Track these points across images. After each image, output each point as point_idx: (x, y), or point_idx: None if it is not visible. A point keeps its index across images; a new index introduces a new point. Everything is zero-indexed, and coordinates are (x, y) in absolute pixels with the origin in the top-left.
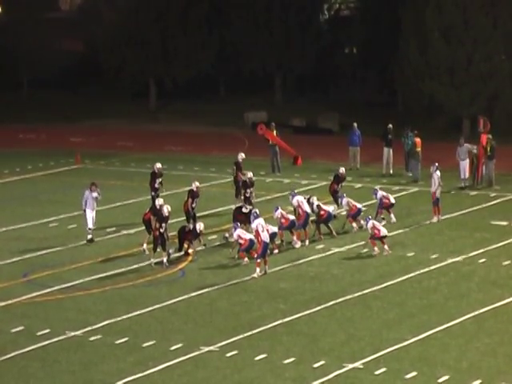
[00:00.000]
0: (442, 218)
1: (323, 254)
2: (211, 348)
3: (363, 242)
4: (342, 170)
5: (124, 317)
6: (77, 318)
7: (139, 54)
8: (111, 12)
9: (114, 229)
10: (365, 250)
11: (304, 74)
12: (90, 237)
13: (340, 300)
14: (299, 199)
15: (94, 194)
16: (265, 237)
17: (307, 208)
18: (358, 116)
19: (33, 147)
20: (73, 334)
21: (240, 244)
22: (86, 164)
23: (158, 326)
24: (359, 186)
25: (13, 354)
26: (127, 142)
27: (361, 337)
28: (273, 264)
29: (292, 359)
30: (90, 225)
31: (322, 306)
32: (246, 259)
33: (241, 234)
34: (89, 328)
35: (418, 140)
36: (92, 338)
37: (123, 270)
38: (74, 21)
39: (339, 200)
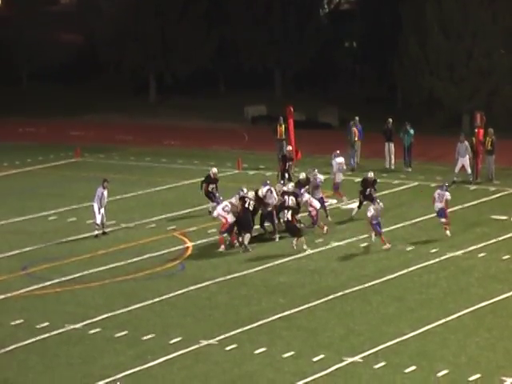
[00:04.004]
0: None
1: (322, 248)
2: (210, 342)
3: (363, 237)
4: (371, 174)
5: (123, 310)
6: (76, 311)
7: (139, 48)
8: (111, 6)
9: (113, 222)
10: (364, 245)
11: (304, 69)
12: (96, 233)
13: (339, 294)
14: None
15: (106, 191)
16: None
17: (316, 204)
18: (357, 111)
19: (32, 141)
20: (72, 327)
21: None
22: (85, 157)
23: (157, 319)
24: (359, 180)
25: (12, 347)
26: (126, 136)
27: (360, 331)
28: (272, 258)
29: (291, 353)
30: (98, 220)
31: (322, 300)
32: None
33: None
34: (88, 321)
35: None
36: (91, 332)
37: (122, 263)
38: (73, 14)
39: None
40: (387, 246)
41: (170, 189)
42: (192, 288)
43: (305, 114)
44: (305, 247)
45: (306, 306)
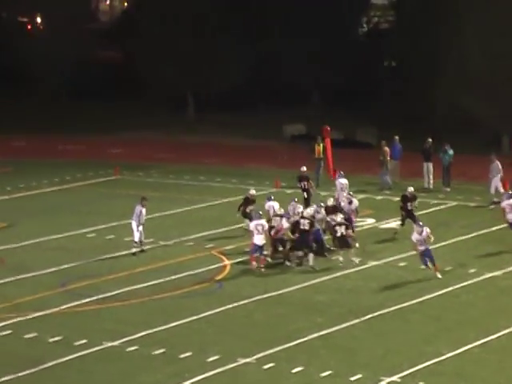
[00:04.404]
0: (481, 232)
1: (361, 268)
2: (248, 360)
3: (401, 256)
4: (410, 189)
5: (161, 328)
6: (114, 328)
7: (177, 65)
8: (149, 24)
9: (151, 240)
10: (402, 264)
11: (343, 88)
12: (134, 250)
13: (377, 313)
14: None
15: (144, 209)
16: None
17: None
18: (396, 130)
19: (72, 158)
20: (110, 344)
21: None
22: (124, 175)
23: (195, 337)
24: (397, 199)
25: (50, 364)
26: (165, 154)
27: (398, 351)
28: (310, 277)
29: (329, 372)
30: (137, 238)
31: (360, 320)
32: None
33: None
34: (126, 339)
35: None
36: (129, 349)
37: (160, 281)
38: (112, 32)
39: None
40: (439, 275)
41: (208, 207)
42: (230, 306)
43: (343, 132)
44: (353, 258)
45: (344, 325)
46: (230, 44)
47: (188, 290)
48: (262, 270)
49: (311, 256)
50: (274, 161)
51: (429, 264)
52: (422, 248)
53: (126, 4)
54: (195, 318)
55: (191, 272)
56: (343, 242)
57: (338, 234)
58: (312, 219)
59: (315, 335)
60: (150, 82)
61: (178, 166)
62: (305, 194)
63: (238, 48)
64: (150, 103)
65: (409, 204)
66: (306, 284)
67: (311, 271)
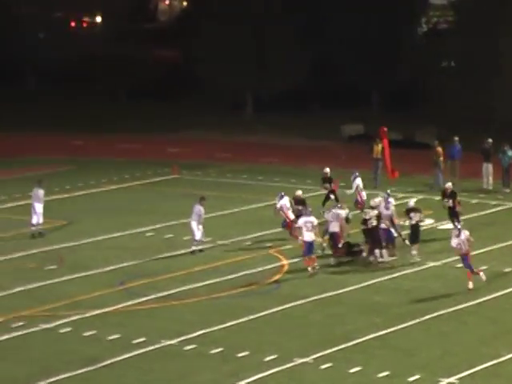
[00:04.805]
0: None
1: (418, 268)
2: (305, 360)
3: (459, 257)
4: (449, 184)
5: (219, 327)
6: (172, 327)
7: (236, 65)
8: (208, 23)
9: (209, 239)
10: (459, 266)
11: (402, 88)
12: (193, 248)
13: (435, 314)
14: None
15: (203, 209)
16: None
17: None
18: (455, 130)
19: (130, 157)
20: (168, 343)
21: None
22: (182, 174)
23: (252, 336)
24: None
25: (109, 362)
26: (223, 153)
27: (456, 352)
28: (368, 277)
29: (386, 373)
30: (198, 236)
31: (417, 320)
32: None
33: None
34: (184, 337)
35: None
36: (187, 348)
37: (218, 280)
38: (171, 32)
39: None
40: (471, 284)
41: (266, 207)
42: (287, 306)
43: (402, 133)
44: (415, 254)
45: (402, 325)
46: (289, 44)
47: (245, 290)
48: (317, 267)
49: (384, 252)
50: (331, 161)
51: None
52: (462, 252)
53: (185, 3)
54: (252, 317)
55: (249, 271)
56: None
57: (413, 222)
58: (379, 215)
59: (373, 335)
60: (208, 81)
61: (236, 166)
62: (331, 196)
63: (296, 48)
64: (209, 102)
65: (445, 200)
66: (363, 284)
67: (369, 271)
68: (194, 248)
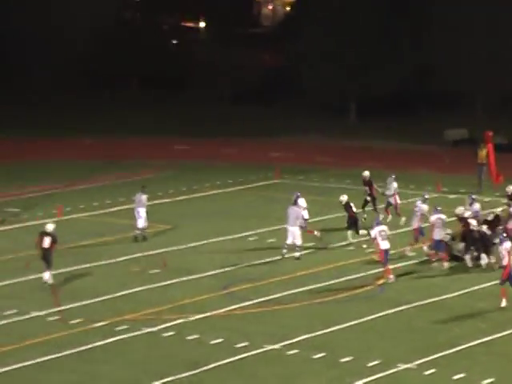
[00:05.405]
0: None
1: None
2: (409, 366)
3: None
4: (509, 187)
5: (322, 332)
6: (275, 331)
7: (339, 69)
8: (312, 28)
9: (311, 244)
10: None
11: (508, 93)
12: (284, 251)
13: None
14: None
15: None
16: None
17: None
18: None
19: (233, 161)
20: (271, 347)
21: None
22: (284, 179)
23: (355, 341)
24: None
25: (212, 366)
26: (326, 158)
27: None
28: (472, 283)
29: (491, 379)
30: (290, 241)
31: None
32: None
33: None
34: (287, 342)
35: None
36: (290, 352)
37: (321, 285)
38: (275, 36)
39: None
40: (504, 302)
41: (369, 211)
42: (391, 311)
43: (507, 137)
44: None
45: (507, 332)
46: (392, 49)
47: (348, 295)
48: (392, 278)
49: (483, 256)
50: (435, 165)
51: None
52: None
53: (288, 8)
54: (356, 322)
55: (352, 276)
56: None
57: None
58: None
59: (477, 342)
60: (311, 85)
61: (339, 170)
62: (367, 198)
63: (399, 53)
64: (311, 107)
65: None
66: (467, 290)
67: (472, 277)
68: (298, 254)
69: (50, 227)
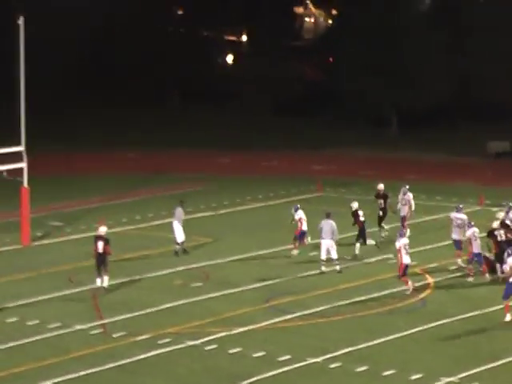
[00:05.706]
0: None
1: None
2: (451, 379)
3: None
4: None
5: (364, 345)
6: (317, 344)
7: (380, 82)
8: (353, 40)
9: (348, 256)
10: None
11: None
12: (323, 268)
13: None
14: (475, 231)
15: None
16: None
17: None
18: None
19: (275, 174)
20: (313, 360)
21: None
22: (327, 192)
23: (398, 355)
24: None
25: (254, 379)
26: (368, 170)
27: None
28: None
29: None
30: (323, 256)
31: None
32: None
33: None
34: (329, 355)
35: None
36: (332, 366)
37: (363, 298)
38: (316, 49)
39: None
40: (508, 316)
41: (411, 225)
42: (433, 324)
43: None
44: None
45: None
46: (433, 61)
47: (391, 308)
48: (409, 290)
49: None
50: (478, 177)
51: None
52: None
53: (330, 21)
54: (398, 335)
55: (394, 290)
56: None
57: None
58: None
59: None
60: (352, 98)
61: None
62: (380, 213)
63: (440, 65)
64: (352, 119)
65: None
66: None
67: None
68: (338, 267)
69: (102, 230)
